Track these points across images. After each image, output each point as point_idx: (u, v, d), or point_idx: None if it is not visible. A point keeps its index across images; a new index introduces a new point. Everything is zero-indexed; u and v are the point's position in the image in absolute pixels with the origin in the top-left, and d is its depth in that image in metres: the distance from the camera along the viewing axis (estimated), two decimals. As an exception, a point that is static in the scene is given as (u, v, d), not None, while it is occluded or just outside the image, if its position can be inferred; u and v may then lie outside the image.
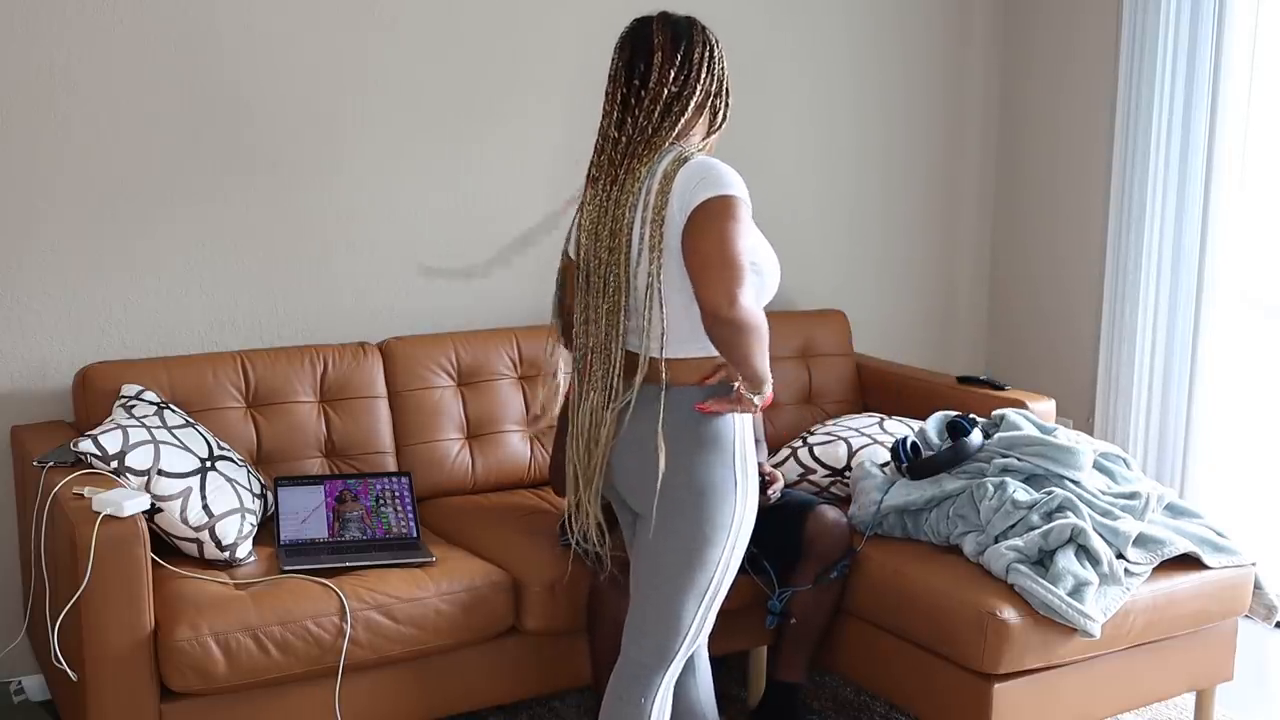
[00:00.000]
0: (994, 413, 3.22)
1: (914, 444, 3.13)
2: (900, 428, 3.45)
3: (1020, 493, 2.89)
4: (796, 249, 4.03)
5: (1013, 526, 2.84)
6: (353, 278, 3.47)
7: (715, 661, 2.57)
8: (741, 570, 2.57)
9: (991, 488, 2.91)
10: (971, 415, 3.19)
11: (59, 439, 2.87)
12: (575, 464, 2.31)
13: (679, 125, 2.21)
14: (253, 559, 2.83)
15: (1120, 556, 2.81)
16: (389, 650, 2.71)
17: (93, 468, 2.71)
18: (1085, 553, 2.76)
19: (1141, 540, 2.85)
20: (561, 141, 3.61)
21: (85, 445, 2.71)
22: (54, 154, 3.09)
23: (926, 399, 3.62)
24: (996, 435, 3.09)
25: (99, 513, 2.48)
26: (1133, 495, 2.97)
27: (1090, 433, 3.87)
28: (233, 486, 2.83)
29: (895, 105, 4.29)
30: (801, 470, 3.34)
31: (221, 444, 2.96)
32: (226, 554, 2.77)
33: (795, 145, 4.12)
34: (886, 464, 3.19)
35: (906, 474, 3.07)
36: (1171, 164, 3.81)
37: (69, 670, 2.53)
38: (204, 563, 2.77)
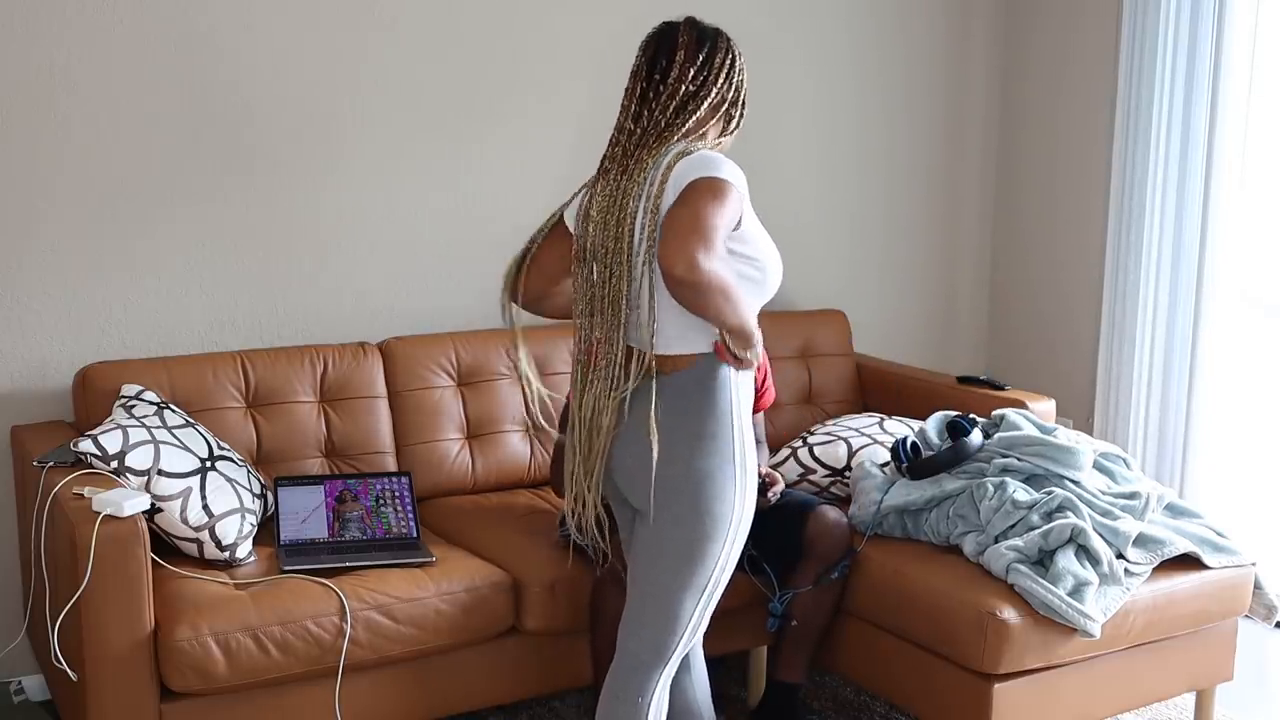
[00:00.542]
0: (994, 413, 3.22)
1: (914, 444, 3.13)
2: (900, 428, 3.45)
3: (1020, 493, 2.89)
4: (797, 249, 4.02)
5: (1013, 526, 2.84)
6: (353, 278, 3.47)
7: (715, 661, 2.57)
8: (740, 570, 2.58)
9: (991, 488, 2.91)
10: (971, 415, 3.19)
11: (59, 439, 2.87)
12: (577, 452, 2.31)
13: (690, 122, 2.24)
14: (253, 559, 2.83)
15: (1120, 556, 2.81)
16: (389, 650, 2.71)
17: (93, 468, 2.71)
18: (1085, 553, 2.76)
19: (1141, 540, 2.85)
20: (562, 141, 3.61)
21: (85, 445, 2.71)
22: (54, 154, 3.09)
23: (926, 399, 3.62)
24: (996, 435, 3.09)
25: (99, 513, 2.48)
26: (1133, 495, 2.97)
27: (1090, 433, 3.86)
28: (233, 486, 2.83)
29: (896, 106, 4.29)
30: (801, 470, 3.34)
31: (221, 444, 2.96)
32: (226, 554, 2.77)
33: (796, 146, 4.12)
34: (886, 464, 3.19)
35: (906, 474, 3.07)
36: (1171, 164, 3.81)
37: (69, 670, 2.53)
38: (204, 563, 2.77)
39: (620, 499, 2.37)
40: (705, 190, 2.11)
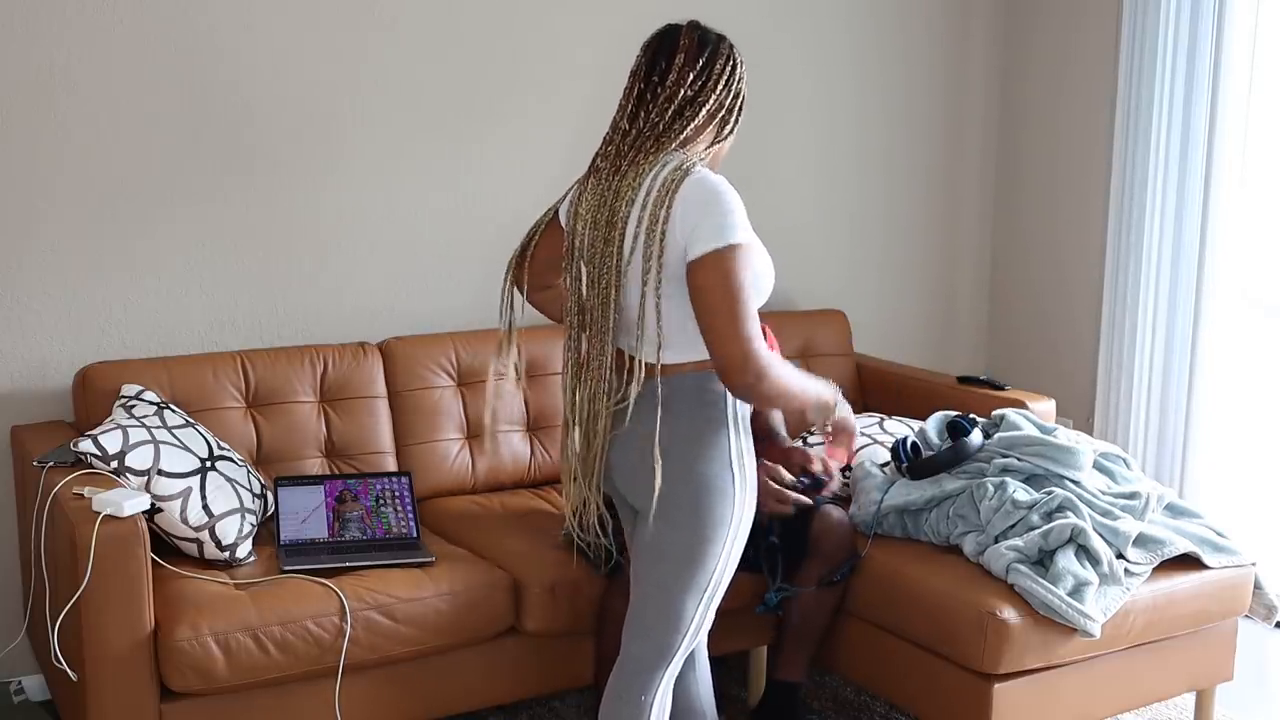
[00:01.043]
0: (994, 413, 3.22)
1: (914, 444, 3.13)
2: (900, 428, 3.45)
3: (1020, 493, 2.89)
4: (797, 249, 4.04)
5: (1013, 526, 2.84)
6: (353, 278, 3.47)
7: (715, 661, 2.57)
8: (745, 567, 2.57)
9: (991, 488, 2.91)
10: (971, 415, 3.19)
11: (59, 439, 2.87)
12: (574, 454, 2.31)
13: (688, 129, 2.22)
14: (253, 559, 2.83)
15: (1120, 556, 2.81)
16: (389, 650, 2.71)
17: (93, 468, 2.71)
18: (1085, 553, 2.76)
19: (1141, 540, 2.85)
20: (563, 141, 3.61)
21: (85, 445, 2.71)
22: (54, 154, 3.09)
23: (926, 399, 3.62)
24: (996, 435, 3.09)
25: (99, 513, 2.48)
26: (1133, 495, 2.97)
27: (1090, 433, 3.86)
28: (233, 486, 2.83)
29: (896, 106, 4.29)
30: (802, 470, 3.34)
31: (221, 444, 2.96)
32: (226, 554, 2.77)
33: (796, 146, 4.12)
34: (887, 464, 3.19)
35: (907, 474, 3.07)
36: (1171, 163, 3.81)
37: (69, 670, 2.53)
38: (204, 563, 2.77)
39: (622, 498, 2.37)
40: (731, 271, 2.11)
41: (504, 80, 3.59)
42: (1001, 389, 3.60)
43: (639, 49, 2.29)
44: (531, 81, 3.63)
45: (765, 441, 2.93)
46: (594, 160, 2.30)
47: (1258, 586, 3.10)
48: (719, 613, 2.35)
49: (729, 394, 2.21)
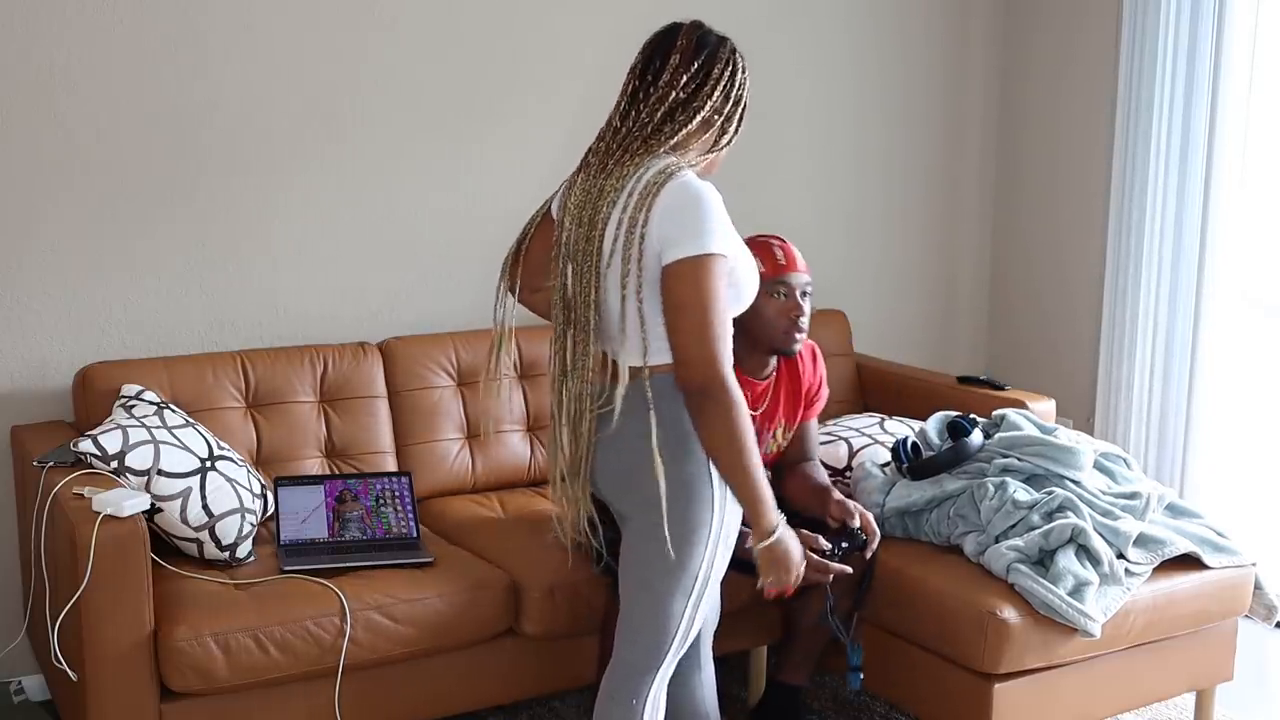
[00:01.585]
0: (994, 413, 3.22)
1: (914, 444, 3.13)
2: (900, 428, 3.45)
3: (1021, 493, 2.89)
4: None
5: (1013, 526, 2.84)
6: (352, 278, 3.47)
7: (715, 661, 2.56)
8: (742, 568, 2.56)
9: (992, 488, 2.91)
10: (972, 415, 3.19)
11: (59, 439, 2.87)
12: (562, 454, 2.30)
13: (679, 134, 2.20)
14: (253, 559, 2.83)
15: (1121, 556, 2.81)
16: (389, 650, 2.71)
17: (93, 468, 2.71)
18: (1086, 553, 2.76)
19: (1142, 540, 2.85)
20: (562, 141, 3.60)
21: (85, 445, 2.71)
22: (54, 154, 3.09)
23: (927, 399, 3.62)
24: (997, 435, 3.09)
25: (99, 513, 2.48)
26: (1133, 495, 2.97)
27: (1090, 433, 3.86)
28: (233, 486, 2.83)
29: (896, 105, 4.29)
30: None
31: (221, 444, 2.96)
32: (226, 554, 2.77)
33: (795, 145, 4.12)
34: (887, 464, 3.19)
35: (907, 474, 3.06)
36: (1171, 164, 3.81)
37: (69, 670, 2.53)
38: (204, 563, 2.77)
39: (608, 502, 2.36)
40: (703, 280, 2.08)
41: (504, 80, 3.59)
42: (1001, 389, 3.60)
43: (640, 47, 2.28)
44: (532, 81, 3.63)
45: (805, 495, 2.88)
46: (586, 155, 2.28)
47: (1258, 586, 3.10)
48: (721, 613, 2.34)
49: None
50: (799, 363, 2.89)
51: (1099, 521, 2.84)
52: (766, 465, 2.94)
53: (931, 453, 3.09)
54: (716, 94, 2.21)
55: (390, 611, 2.70)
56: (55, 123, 3.08)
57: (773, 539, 2.20)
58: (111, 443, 2.73)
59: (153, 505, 2.68)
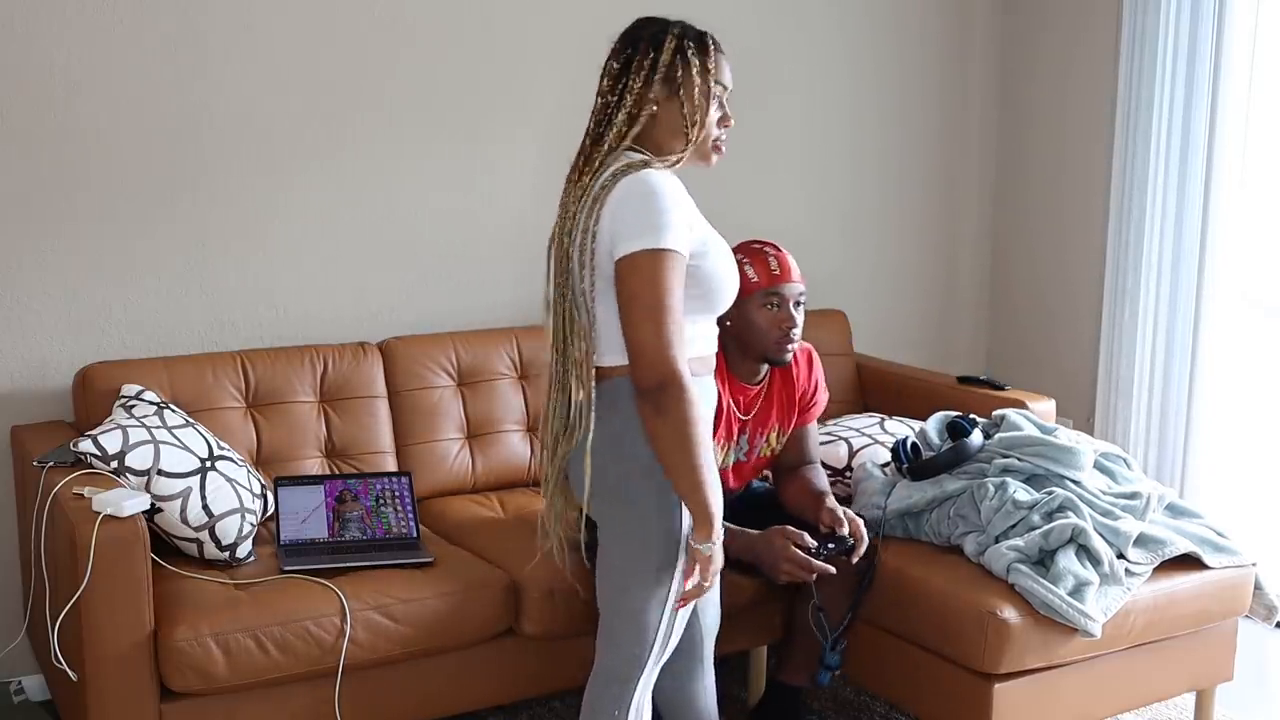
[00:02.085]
0: (994, 413, 3.22)
1: (914, 444, 3.12)
2: (900, 428, 3.45)
3: (1021, 493, 2.89)
4: (796, 249, 3.99)
5: (1013, 526, 2.84)
6: (352, 278, 3.47)
7: (715, 661, 2.56)
8: (742, 568, 2.56)
9: (992, 488, 2.91)
10: (972, 415, 3.19)
11: (59, 439, 2.87)
12: (547, 460, 2.30)
13: (629, 129, 2.16)
14: (253, 559, 2.83)
15: (1121, 556, 2.81)
16: (389, 650, 2.71)
17: (93, 468, 2.71)
18: (1086, 553, 2.76)
19: (1142, 540, 2.85)
20: (563, 142, 3.60)
21: (85, 445, 2.71)
22: (54, 154, 3.09)
23: (926, 399, 3.62)
24: (997, 435, 3.09)
25: (99, 513, 2.48)
26: (1133, 495, 2.97)
27: (1090, 433, 3.86)
28: (233, 486, 2.83)
29: (895, 105, 4.29)
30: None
31: (221, 444, 2.96)
32: (226, 554, 2.77)
33: (795, 145, 4.12)
34: (887, 464, 3.19)
35: (907, 474, 3.06)
36: (1171, 164, 3.81)
37: (69, 670, 2.53)
38: (204, 563, 2.77)
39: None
40: (656, 275, 2.03)
41: (505, 80, 3.59)
42: (1001, 389, 3.60)
43: None
44: (532, 81, 3.63)
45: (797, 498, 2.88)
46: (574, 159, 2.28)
47: (1258, 587, 3.10)
48: (721, 616, 2.34)
49: None
50: (793, 368, 2.89)
51: (1099, 521, 2.84)
52: (760, 469, 2.96)
53: (931, 453, 3.09)
54: (638, 83, 2.16)
55: (390, 611, 2.70)
56: (55, 123, 3.08)
57: (717, 543, 2.13)
58: (111, 443, 2.73)
59: (153, 505, 2.68)
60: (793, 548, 2.62)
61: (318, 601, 2.65)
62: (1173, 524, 2.97)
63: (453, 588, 2.78)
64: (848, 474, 3.31)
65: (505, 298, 3.63)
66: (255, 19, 3.26)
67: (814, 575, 2.63)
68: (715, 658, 2.54)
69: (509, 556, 2.93)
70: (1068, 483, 2.95)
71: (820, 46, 4.12)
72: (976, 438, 3.05)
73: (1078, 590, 2.69)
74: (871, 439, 3.39)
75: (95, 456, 2.70)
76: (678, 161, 2.20)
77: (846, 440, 3.39)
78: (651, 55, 2.17)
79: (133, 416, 2.85)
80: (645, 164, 2.13)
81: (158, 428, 2.83)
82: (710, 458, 2.11)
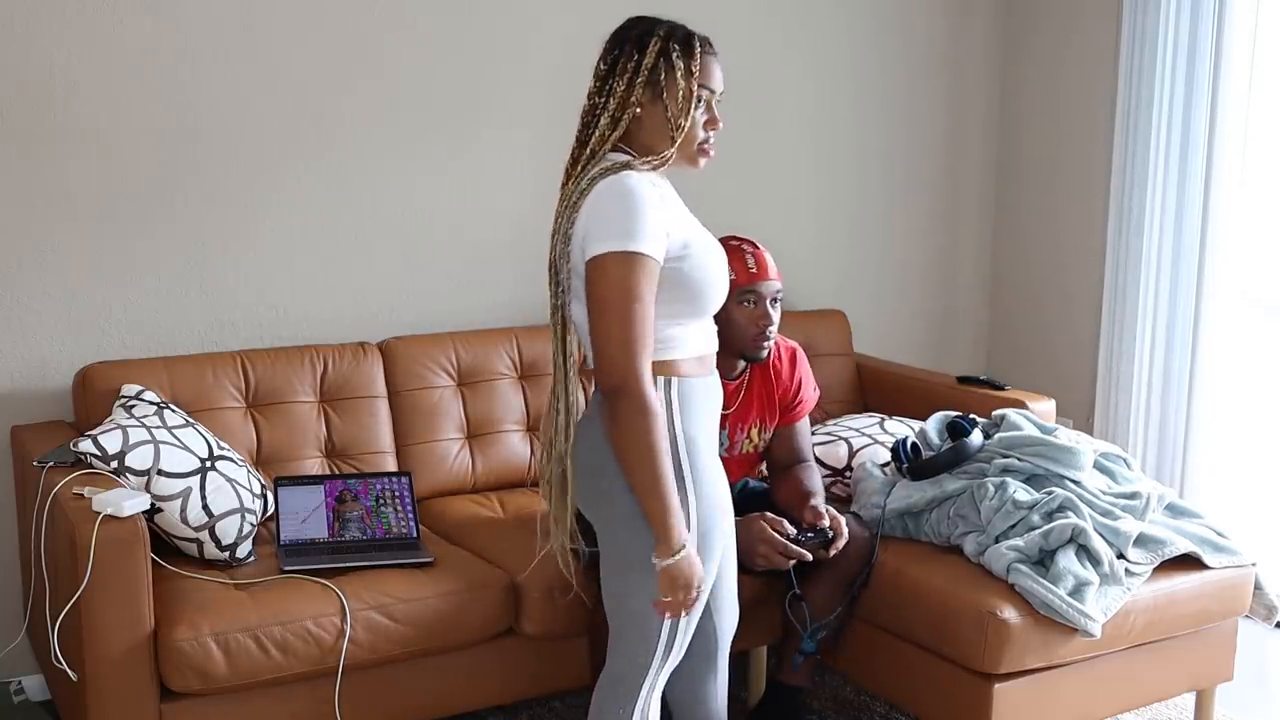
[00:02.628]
0: (994, 413, 3.22)
1: (914, 444, 3.13)
2: (900, 428, 3.45)
3: (1021, 493, 2.89)
4: (797, 249, 4.04)
5: (1013, 526, 2.84)
6: (352, 278, 3.47)
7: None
8: (745, 569, 2.56)
9: (992, 488, 2.91)
10: (972, 415, 3.19)
11: (59, 439, 2.87)
12: (543, 462, 2.30)
13: (594, 137, 2.16)
14: (253, 559, 2.83)
15: (1121, 556, 2.81)
16: (389, 650, 2.71)
17: (93, 468, 2.71)
18: (1086, 553, 2.76)
19: (1142, 540, 2.85)
20: (563, 141, 3.60)
21: (85, 445, 2.71)
22: (54, 154, 3.09)
23: (926, 399, 3.62)
24: (997, 435, 3.09)
25: (99, 513, 2.48)
26: (1133, 495, 2.97)
27: (1090, 433, 3.87)
28: (233, 486, 2.83)
29: (896, 105, 4.29)
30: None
31: (221, 444, 2.96)
32: (226, 554, 2.77)
33: (796, 146, 4.12)
34: (887, 464, 3.19)
35: (907, 474, 3.06)
36: (1171, 164, 3.81)
37: (69, 670, 2.53)
38: (204, 563, 2.77)
39: None
40: (623, 278, 2.00)
41: (506, 80, 3.59)
42: (1001, 389, 3.60)
43: None
44: (534, 81, 3.63)
45: (782, 490, 2.90)
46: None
47: (1258, 586, 3.10)
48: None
49: (667, 404, 2.12)
50: (774, 365, 2.90)
51: (1099, 521, 2.84)
52: (748, 466, 2.96)
53: (931, 453, 3.09)
54: (621, 85, 2.15)
55: (390, 611, 2.70)
56: (55, 122, 3.08)
57: (677, 558, 2.07)
58: (111, 443, 2.73)
59: (153, 505, 2.68)
60: (769, 530, 2.64)
61: (318, 601, 2.65)
62: (1173, 524, 2.97)
63: (453, 588, 2.78)
64: (848, 474, 3.31)
65: (505, 298, 3.63)
66: (255, 19, 3.26)
67: (791, 561, 2.65)
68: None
69: (509, 556, 2.93)
70: (1068, 483, 2.95)
71: (822, 48, 4.12)
72: (976, 438, 3.05)
73: (1078, 590, 2.69)
74: (871, 439, 3.39)
75: (95, 456, 2.70)
76: (662, 164, 2.18)
77: (846, 440, 3.39)
78: (636, 57, 2.15)
79: (133, 416, 2.85)
80: (626, 165, 2.12)
81: (158, 428, 2.83)
82: (668, 468, 2.06)
